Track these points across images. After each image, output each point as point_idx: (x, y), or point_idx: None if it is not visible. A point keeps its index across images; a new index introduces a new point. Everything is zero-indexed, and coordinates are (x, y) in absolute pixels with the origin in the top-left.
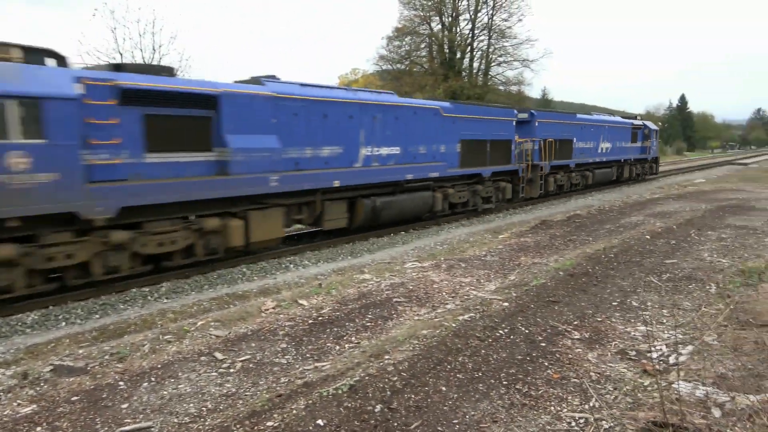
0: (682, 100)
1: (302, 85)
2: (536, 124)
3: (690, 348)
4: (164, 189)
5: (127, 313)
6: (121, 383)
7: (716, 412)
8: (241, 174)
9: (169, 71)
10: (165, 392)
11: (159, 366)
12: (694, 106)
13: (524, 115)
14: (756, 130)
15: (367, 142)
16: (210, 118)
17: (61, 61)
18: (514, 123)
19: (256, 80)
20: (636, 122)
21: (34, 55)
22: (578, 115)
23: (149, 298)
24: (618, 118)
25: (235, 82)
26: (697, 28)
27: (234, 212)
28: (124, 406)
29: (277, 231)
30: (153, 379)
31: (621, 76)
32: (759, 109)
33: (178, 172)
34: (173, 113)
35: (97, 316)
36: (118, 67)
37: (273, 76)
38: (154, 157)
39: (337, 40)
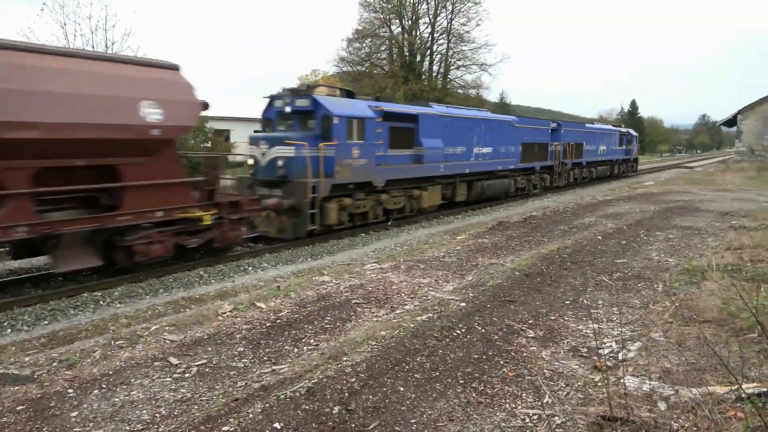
0: (633, 105)
1: (447, 106)
2: (562, 131)
3: (638, 344)
4: (397, 171)
5: (78, 319)
6: (70, 391)
7: (661, 405)
8: (428, 163)
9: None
10: (117, 399)
11: (111, 372)
12: (644, 111)
13: (554, 125)
14: (701, 135)
15: (476, 144)
16: (413, 129)
17: (352, 95)
18: (549, 130)
19: (425, 103)
20: (622, 130)
21: (345, 93)
22: (587, 125)
23: (101, 302)
24: (610, 127)
25: (409, 104)
26: (646, 36)
27: (421, 186)
28: (74, 414)
29: (437, 200)
30: (104, 385)
31: (574, 80)
32: (704, 115)
33: (401, 161)
34: (399, 125)
35: (46, 322)
36: (377, 98)
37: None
38: (392, 152)
39: (295, 40)
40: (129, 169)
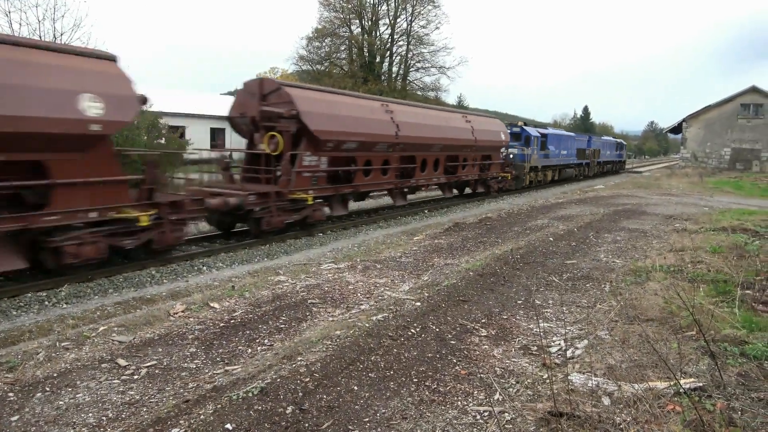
0: (585, 111)
1: (542, 127)
2: (592, 141)
3: (585, 342)
4: (543, 161)
5: (21, 320)
6: (11, 394)
7: (605, 401)
8: (551, 158)
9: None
10: (61, 402)
11: (55, 375)
12: (596, 117)
13: (586, 137)
14: (649, 141)
15: (562, 149)
16: (545, 140)
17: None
18: (586, 141)
19: (545, 126)
20: (619, 141)
21: (509, 123)
22: (603, 138)
23: (47, 303)
24: (611, 138)
25: (519, 125)
26: (596, 42)
27: (551, 168)
28: (14, 418)
29: (553, 178)
30: (48, 388)
31: (528, 83)
32: (652, 122)
33: (543, 157)
34: (543, 139)
35: None
36: (525, 124)
37: (525, 124)
38: (541, 152)
39: (251, 36)
40: (59, 165)
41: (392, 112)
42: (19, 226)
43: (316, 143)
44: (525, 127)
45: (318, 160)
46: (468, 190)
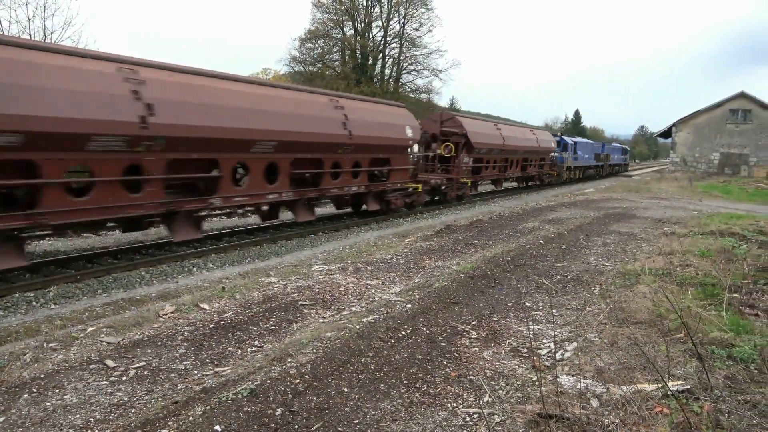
0: (576, 114)
1: (574, 137)
2: (605, 146)
3: (574, 345)
4: (575, 163)
5: (8, 321)
6: None
7: (594, 403)
8: (579, 161)
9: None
10: (48, 404)
11: (42, 376)
12: (587, 121)
13: (601, 144)
14: (639, 145)
15: (584, 153)
16: (575, 147)
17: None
18: (601, 147)
19: (573, 136)
20: (624, 147)
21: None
22: (612, 144)
23: (35, 303)
24: (618, 145)
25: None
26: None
27: (577, 169)
28: (0, 420)
29: (577, 175)
30: (35, 390)
31: (518, 85)
32: (642, 126)
33: (574, 159)
34: (573, 146)
35: None
36: (563, 134)
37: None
38: (573, 155)
39: (243, 36)
40: (394, 159)
41: (500, 129)
42: (383, 188)
43: (471, 149)
44: (563, 137)
45: (469, 160)
46: (531, 183)
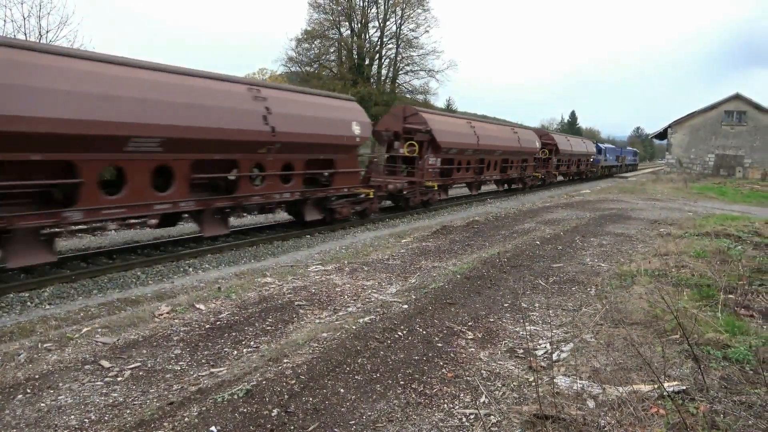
0: (573, 116)
1: (601, 143)
2: (623, 150)
3: (570, 345)
4: (604, 163)
5: (2, 321)
6: None
7: (590, 403)
8: (605, 162)
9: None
10: (42, 404)
11: (37, 376)
12: (583, 122)
13: (620, 149)
14: (635, 146)
15: (611, 156)
16: (604, 151)
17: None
18: (619, 149)
19: (602, 141)
20: (634, 150)
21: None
22: (628, 148)
23: (29, 304)
24: (631, 149)
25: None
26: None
27: (604, 168)
28: None
29: (605, 173)
30: (29, 390)
31: (513, 85)
32: (638, 128)
33: (604, 160)
34: (602, 150)
35: None
36: (601, 142)
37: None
38: (602, 158)
39: (238, 36)
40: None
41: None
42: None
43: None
44: (598, 144)
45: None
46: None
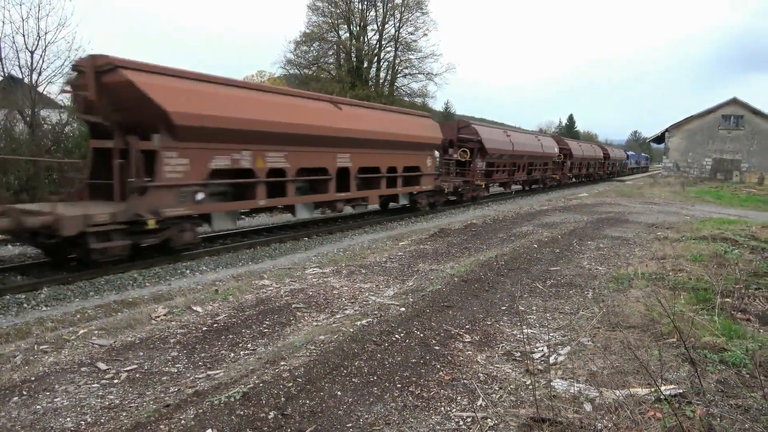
0: (570, 119)
1: (628, 151)
2: (633, 154)
3: (568, 348)
4: (631, 167)
5: None
6: None
7: (587, 407)
8: (629, 165)
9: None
10: (38, 406)
11: (33, 378)
12: (581, 125)
13: (637, 154)
14: (633, 150)
15: (633, 161)
16: (628, 156)
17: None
18: (637, 155)
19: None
20: (645, 155)
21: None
22: (641, 154)
23: (25, 305)
24: (644, 154)
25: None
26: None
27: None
28: None
29: (629, 174)
30: (25, 392)
31: (515, 86)
32: (635, 131)
33: (630, 163)
34: (629, 156)
35: None
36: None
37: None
38: (628, 161)
39: (236, 39)
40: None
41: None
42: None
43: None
44: (627, 151)
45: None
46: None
